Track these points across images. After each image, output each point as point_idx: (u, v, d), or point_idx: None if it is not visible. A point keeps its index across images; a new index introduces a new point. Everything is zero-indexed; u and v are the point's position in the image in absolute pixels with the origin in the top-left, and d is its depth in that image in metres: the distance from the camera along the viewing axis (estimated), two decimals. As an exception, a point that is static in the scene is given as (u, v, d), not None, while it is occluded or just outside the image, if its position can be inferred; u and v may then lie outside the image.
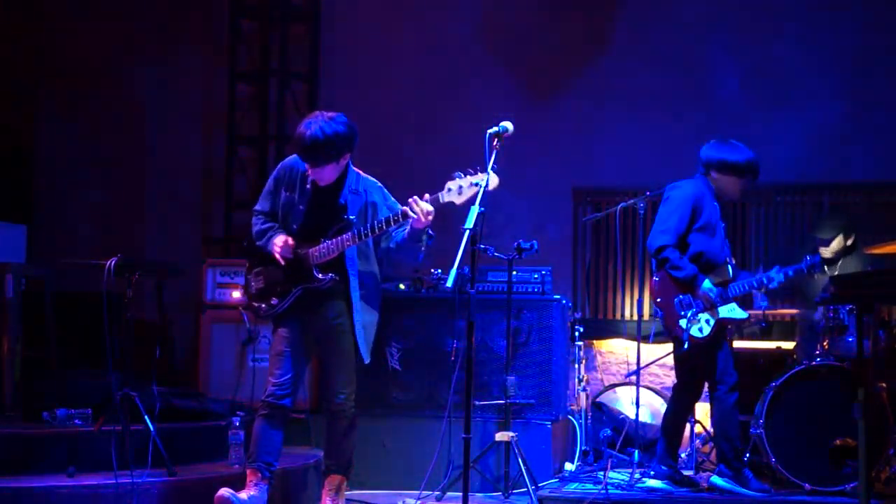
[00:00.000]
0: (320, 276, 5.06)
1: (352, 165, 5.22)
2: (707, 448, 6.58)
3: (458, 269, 4.55)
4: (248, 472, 5.18)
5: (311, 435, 6.22)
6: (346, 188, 5.16)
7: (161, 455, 5.28)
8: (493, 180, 4.69)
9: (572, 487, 6.16)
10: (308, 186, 5.17)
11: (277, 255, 5.13)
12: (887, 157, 7.84)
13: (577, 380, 7.02)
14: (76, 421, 5.82)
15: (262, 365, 6.87)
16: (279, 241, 5.13)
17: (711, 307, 5.85)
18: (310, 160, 5.02)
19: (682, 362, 6.07)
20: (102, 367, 5.55)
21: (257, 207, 5.34)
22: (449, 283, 4.54)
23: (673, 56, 8.22)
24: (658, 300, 5.96)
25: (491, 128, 4.76)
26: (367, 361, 5.20)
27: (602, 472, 6.27)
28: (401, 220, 4.99)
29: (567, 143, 8.26)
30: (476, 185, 4.71)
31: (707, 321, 5.85)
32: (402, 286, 7.00)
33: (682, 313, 5.87)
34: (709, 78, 8.18)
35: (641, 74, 8.20)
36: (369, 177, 5.26)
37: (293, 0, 8.84)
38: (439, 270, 6.72)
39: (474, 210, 4.59)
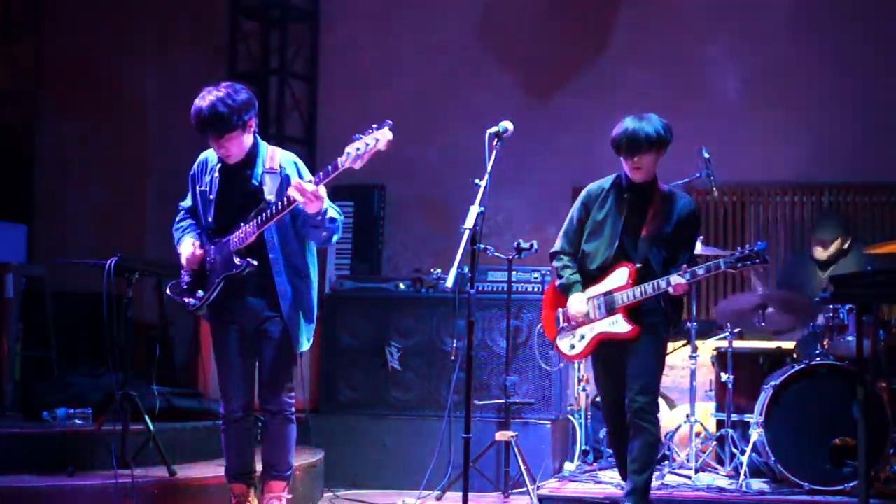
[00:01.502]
0: (237, 261, 4.73)
1: (261, 140, 4.92)
2: (707, 448, 6.58)
3: (457, 268, 4.55)
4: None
5: (311, 435, 6.22)
6: (258, 166, 4.82)
7: (161, 455, 5.29)
8: (385, 137, 4.53)
9: (572, 487, 6.16)
10: (216, 175, 4.89)
11: (184, 266, 4.91)
12: (888, 157, 7.83)
13: (576, 380, 7.01)
14: (76, 421, 5.83)
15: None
16: (183, 251, 4.88)
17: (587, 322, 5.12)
18: (212, 131, 4.73)
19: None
20: (102, 367, 5.56)
21: (180, 203, 5.12)
22: (449, 283, 4.53)
23: (673, 56, 8.22)
24: (544, 312, 5.36)
25: (491, 128, 4.76)
26: (298, 350, 4.85)
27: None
28: (287, 205, 4.66)
29: (567, 143, 8.26)
30: (376, 141, 4.49)
31: (581, 337, 5.16)
32: (402, 286, 7.00)
33: (559, 327, 5.23)
34: (709, 78, 8.18)
35: (641, 74, 8.20)
36: (284, 151, 4.92)
37: (293, 0, 8.84)
38: (439, 270, 6.72)
39: (474, 210, 4.59)
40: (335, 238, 4.82)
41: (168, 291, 4.98)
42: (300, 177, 4.79)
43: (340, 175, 4.61)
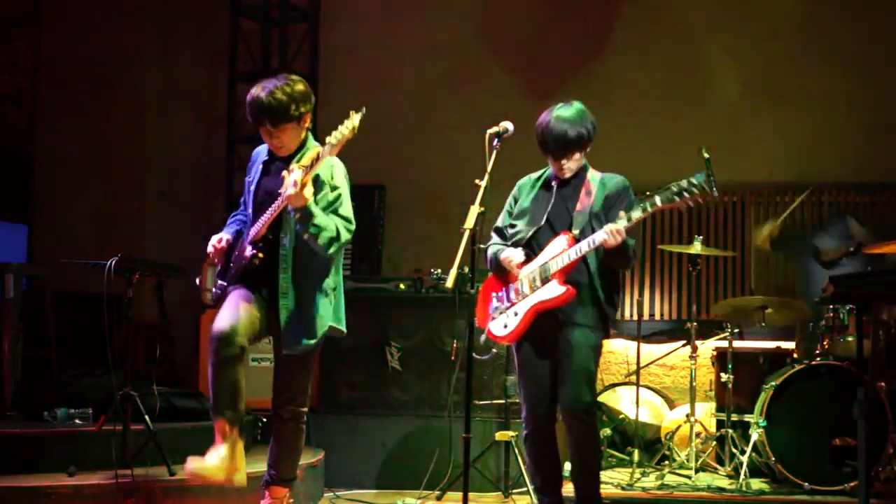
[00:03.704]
0: (247, 251, 4.73)
1: (312, 139, 4.88)
2: (707, 448, 6.58)
3: (457, 268, 4.55)
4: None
5: (311, 435, 6.22)
6: (295, 162, 4.72)
7: (161, 455, 5.29)
8: (352, 123, 4.44)
9: (572, 487, 6.15)
10: (259, 166, 4.88)
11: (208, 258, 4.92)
12: (888, 157, 7.83)
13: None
14: (76, 421, 5.83)
15: (261, 365, 6.88)
16: (212, 241, 4.89)
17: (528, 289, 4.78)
18: (269, 119, 4.67)
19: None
20: (102, 367, 5.56)
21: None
22: (449, 283, 4.53)
23: (673, 56, 8.22)
24: (478, 307, 4.99)
25: (491, 128, 4.76)
26: (287, 351, 4.73)
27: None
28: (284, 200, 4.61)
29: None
30: (347, 130, 4.42)
31: (515, 314, 4.80)
32: (402, 286, 7.00)
33: (491, 310, 4.91)
34: (709, 78, 8.18)
35: (641, 74, 8.20)
36: (334, 157, 4.72)
37: (293, 0, 8.84)
38: (439, 270, 6.72)
39: (474, 210, 4.59)
40: (328, 249, 4.66)
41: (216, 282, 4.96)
42: (331, 178, 4.73)
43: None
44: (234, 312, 4.65)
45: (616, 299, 4.90)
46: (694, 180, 4.50)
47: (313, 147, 4.77)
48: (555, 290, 4.68)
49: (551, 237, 4.80)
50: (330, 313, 4.81)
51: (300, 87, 4.74)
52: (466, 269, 4.81)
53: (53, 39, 8.96)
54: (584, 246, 4.63)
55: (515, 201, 5.04)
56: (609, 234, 4.56)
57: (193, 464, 4.61)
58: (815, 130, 7.95)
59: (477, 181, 4.64)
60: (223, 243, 4.88)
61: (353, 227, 4.75)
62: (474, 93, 8.37)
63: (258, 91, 4.72)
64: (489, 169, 4.68)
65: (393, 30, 8.67)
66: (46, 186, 8.87)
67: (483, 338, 4.98)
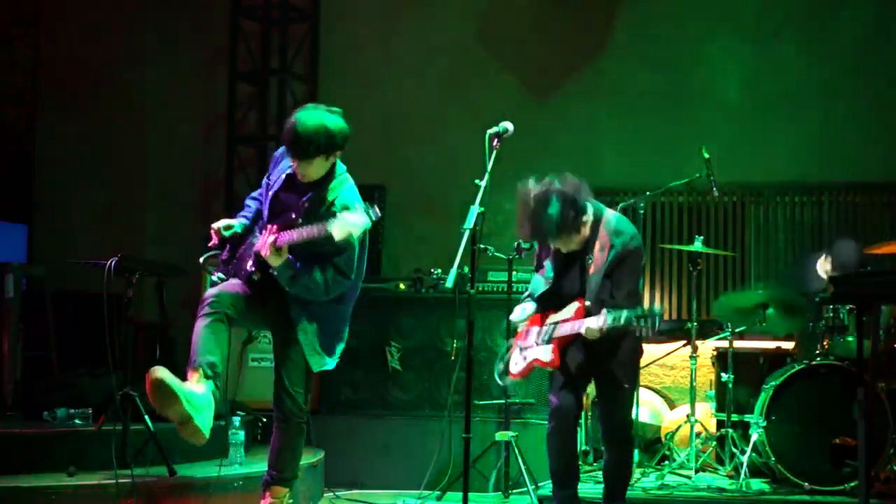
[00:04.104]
0: (248, 265, 4.86)
1: (341, 168, 4.85)
2: (707, 448, 6.58)
3: (458, 268, 4.55)
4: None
5: (311, 435, 6.21)
6: (318, 191, 4.76)
7: (161, 455, 5.28)
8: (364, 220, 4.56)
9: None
10: (283, 177, 4.85)
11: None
12: (888, 157, 7.83)
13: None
14: (76, 421, 5.82)
15: (262, 365, 6.88)
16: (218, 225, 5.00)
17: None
18: (295, 154, 4.69)
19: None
20: (102, 367, 5.56)
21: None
22: (449, 283, 4.53)
23: (673, 56, 8.22)
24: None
25: (491, 128, 4.76)
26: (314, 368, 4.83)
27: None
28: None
29: (567, 143, 8.25)
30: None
31: (524, 358, 5.11)
32: (402, 286, 7.00)
33: (519, 345, 5.18)
34: (709, 78, 8.18)
35: (641, 74, 8.20)
36: (352, 189, 4.80)
37: (293, 0, 8.84)
38: (439, 270, 6.72)
39: (474, 210, 4.59)
40: (316, 299, 4.72)
41: (201, 260, 5.04)
42: (336, 215, 4.61)
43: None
44: (223, 286, 4.79)
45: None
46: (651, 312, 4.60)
47: (338, 179, 4.77)
48: (546, 355, 4.96)
49: (570, 292, 4.98)
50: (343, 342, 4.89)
51: (338, 126, 4.72)
52: (466, 269, 4.81)
53: (53, 39, 8.96)
54: (567, 328, 4.85)
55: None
56: (587, 331, 4.74)
57: (161, 373, 4.51)
58: (815, 130, 7.95)
59: (477, 181, 4.64)
60: (225, 231, 4.94)
61: (348, 280, 4.74)
62: (474, 93, 8.36)
63: (296, 119, 4.70)
64: (489, 169, 4.68)
65: (393, 30, 8.66)
66: (46, 186, 8.87)
67: (502, 366, 5.24)
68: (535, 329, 5.07)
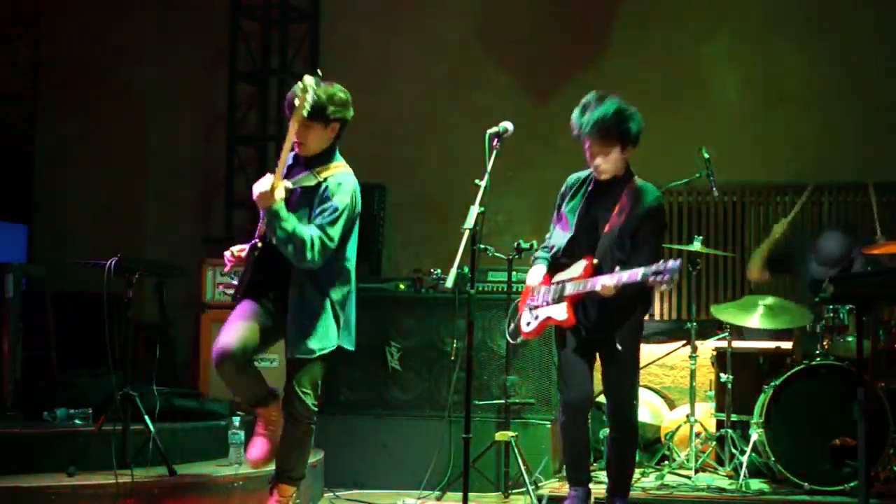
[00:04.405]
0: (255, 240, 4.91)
1: (339, 155, 4.91)
2: (707, 448, 6.58)
3: (457, 268, 4.55)
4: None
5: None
6: (311, 171, 4.82)
7: (161, 455, 5.29)
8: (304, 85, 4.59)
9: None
10: (286, 167, 4.84)
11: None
12: (888, 157, 7.83)
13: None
14: (76, 421, 5.82)
15: (262, 365, 6.87)
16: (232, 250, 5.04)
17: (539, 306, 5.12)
18: (290, 109, 4.67)
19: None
20: (102, 367, 5.55)
21: None
22: (449, 284, 4.53)
23: (673, 56, 8.22)
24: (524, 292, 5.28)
25: (491, 128, 4.76)
26: (290, 355, 4.80)
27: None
28: None
29: (567, 143, 8.21)
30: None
31: (536, 317, 5.12)
32: (402, 286, 7.00)
33: (528, 305, 5.19)
34: (709, 77, 8.18)
35: (641, 74, 8.19)
36: (347, 173, 4.85)
37: (293, 0, 8.84)
38: (439, 270, 6.72)
39: (474, 210, 4.59)
40: (297, 260, 4.67)
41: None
42: (326, 196, 4.74)
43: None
44: (229, 333, 4.74)
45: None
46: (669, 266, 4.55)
47: (335, 164, 4.82)
48: (560, 313, 4.97)
49: (584, 248, 4.99)
50: (333, 329, 4.84)
51: (340, 96, 4.79)
52: (466, 269, 4.81)
53: (53, 39, 8.96)
54: (581, 286, 4.85)
55: (561, 199, 5.18)
56: (602, 288, 4.73)
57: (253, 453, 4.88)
58: (815, 130, 7.95)
59: (477, 181, 4.64)
60: (244, 253, 4.96)
61: (332, 244, 4.71)
62: (474, 93, 8.36)
63: (300, 82, 4.68)
64: (489, 169, 4.68)
65: (393, 30, 8.67)
66: (46, 186, 8.87)
67: (512, 326, 5.27)
68: (544, 288, 5.07)
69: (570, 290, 4.90)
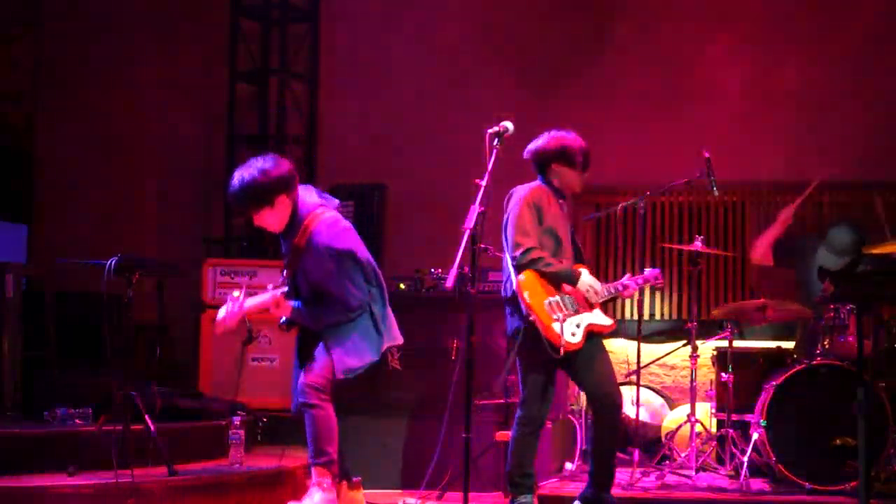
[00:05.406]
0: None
1: (302, 209, 5.07)
2: (707, 448, 6.58)
3: (458, 268, 4.55)
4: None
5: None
6: (292, 239, 5.07)
7: (161, 454, 5.28)
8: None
9: (572, 487, 6.16)
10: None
11: None
12: (888, 156, 7.83)
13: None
14: (76, 420, 5.82)
15: (262, 364, 6.88)
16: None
17: (585, 307, 5.24)
18: (236, 209, 5.13)
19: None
20: (102, 366, 5.56)
21: None
22: (449, 283, 4.53)
23: (673, 56, 8.22)
24: (531, 300, 5.14)
25: (491, 128, 4.76)
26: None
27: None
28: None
29: (567, 143, 8.24)
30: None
31: (577, 325, 5.18)
32: (402, 286, 6.99)
33: (555, 316, 5.14)
34: (709, 78, 8.18)
35: (642, 74, 8.20)
36: (322, 220, 5.07)
37: (293, 0, 8.83)
38: (439, 270, 6.72)
39: (474, 210, 4.59)
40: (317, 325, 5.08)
41: (237, 294, 5.17)
42: (314, 246, 4.96)
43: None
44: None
45: None
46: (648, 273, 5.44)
47: (307, 222, 5.00)
48: (605, 320, 5.30)
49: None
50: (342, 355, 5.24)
51: (269, 175, 4.94)
52: (466, 269, 4.80)
53: (53, 39, 8.96)
54: (612, 289, 5.36)
55: (539, 212, 5.26)
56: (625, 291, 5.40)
57: None
58: (815, 130, 7.95)
59: (477, 181, 4.64)
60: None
61: (354, 309, 5.10)
62: (474, 93, 8.36)
63: (234, 177, 4.97)
64: (489, 169, 4.68)
65: (393, 30, 8.66)
66: (46, 186, 8.87)
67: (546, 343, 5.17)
68: (555, 300, 5.15)
69: (598, 298, 5.25)
